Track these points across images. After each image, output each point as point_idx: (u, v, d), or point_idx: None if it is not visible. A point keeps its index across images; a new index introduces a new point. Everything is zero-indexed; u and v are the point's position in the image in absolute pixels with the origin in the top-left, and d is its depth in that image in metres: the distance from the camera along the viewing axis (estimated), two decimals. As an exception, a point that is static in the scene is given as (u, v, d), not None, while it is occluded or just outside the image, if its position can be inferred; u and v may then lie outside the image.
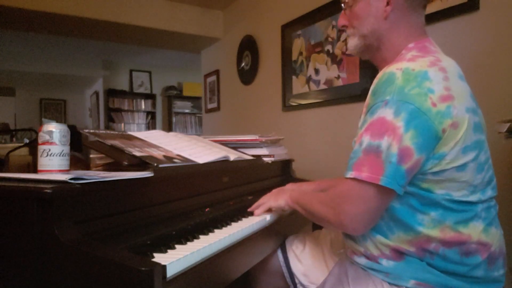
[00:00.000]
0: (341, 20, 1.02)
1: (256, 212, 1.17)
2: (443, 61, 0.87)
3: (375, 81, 0.88)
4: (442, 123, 0.78)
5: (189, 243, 0.83)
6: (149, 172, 0.93)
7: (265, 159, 1.66)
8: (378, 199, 0.80)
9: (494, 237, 0.87)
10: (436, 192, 0.83)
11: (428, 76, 0.81)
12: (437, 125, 0.78)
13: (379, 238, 0.89)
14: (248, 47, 3.24)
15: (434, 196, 0.83)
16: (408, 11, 0.93)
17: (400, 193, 0.80)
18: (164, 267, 0.66)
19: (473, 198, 0.84)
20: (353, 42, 1.00)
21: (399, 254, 0.87)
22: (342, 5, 1.01)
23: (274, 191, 1.20)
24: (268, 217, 1.15)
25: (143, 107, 6.44)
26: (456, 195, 0.83)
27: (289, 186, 1.31)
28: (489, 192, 0.88)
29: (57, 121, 0.90)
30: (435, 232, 0.83)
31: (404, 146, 0.77)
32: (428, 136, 0.78)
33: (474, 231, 0.84)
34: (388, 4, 0.92)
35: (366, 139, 0.81)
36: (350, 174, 0.81)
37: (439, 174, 0.81)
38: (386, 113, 0.79)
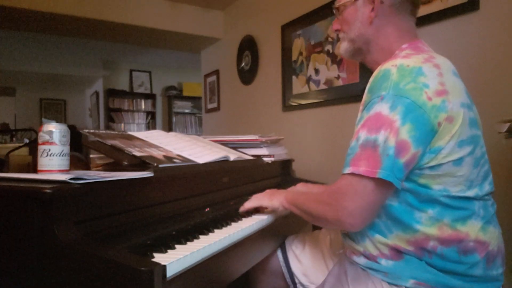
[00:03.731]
0: (335, 24, 1.07)
1: (246, 204, 1.14)
2: (437, 58, 0.89)
3: (371, 79, 0.89)
4: (438, 117, 0.80)
5: (189, 243, 0.83)
6: (149, 172, 0.93)
7: (265, 159, 1.67)
8: (376, 193, 0.80)
9: (492, 235, 0.87)
10: (433, 188, 0.83)
11: (422, 71, 0.82)
12: (433, 119, 0.79)
13: (378, 237, 0.89)
14: (248, 47, 3.24)
15: (431, 193, 0.83)
16: (394, 16, 0.95)
17: (398, 187, 0.80)
18: (164, 267, 0.66)
19: (470, 193, 0.84)
20: (343, 46, 1.04)
21: (398, 253, 0.88)
22: (334, 11, 1.05)
23: (268, 191, 1.18)
24: (267, 218, 1.15)
25: (143, 107, 6.44)
26: (453, 190, 0.83)
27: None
28: (487, 187, 0.88)
29: (57, 121, 0.89)
30: (433, 230, 0.83)
31: (401, 139, 0.78)
32: (425, 130, 0.79)
33: (472, 229, 0.84)
34: (372, 10, 0.95)
35: (363, 134, 0.82)
36: (348, 170, 0.82)
37: (436, 169, 0.82)
38: (382, 108, 0.80)
